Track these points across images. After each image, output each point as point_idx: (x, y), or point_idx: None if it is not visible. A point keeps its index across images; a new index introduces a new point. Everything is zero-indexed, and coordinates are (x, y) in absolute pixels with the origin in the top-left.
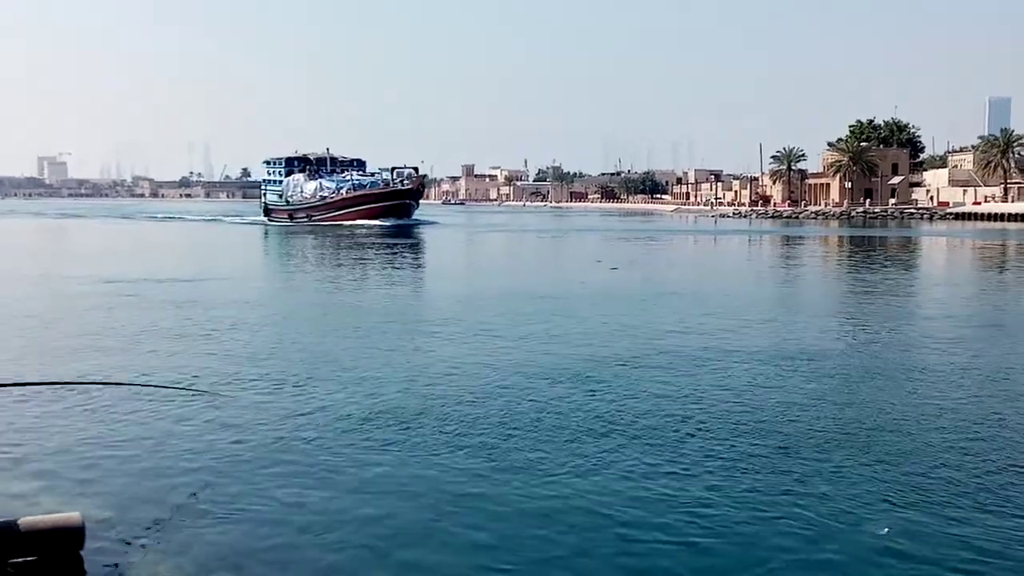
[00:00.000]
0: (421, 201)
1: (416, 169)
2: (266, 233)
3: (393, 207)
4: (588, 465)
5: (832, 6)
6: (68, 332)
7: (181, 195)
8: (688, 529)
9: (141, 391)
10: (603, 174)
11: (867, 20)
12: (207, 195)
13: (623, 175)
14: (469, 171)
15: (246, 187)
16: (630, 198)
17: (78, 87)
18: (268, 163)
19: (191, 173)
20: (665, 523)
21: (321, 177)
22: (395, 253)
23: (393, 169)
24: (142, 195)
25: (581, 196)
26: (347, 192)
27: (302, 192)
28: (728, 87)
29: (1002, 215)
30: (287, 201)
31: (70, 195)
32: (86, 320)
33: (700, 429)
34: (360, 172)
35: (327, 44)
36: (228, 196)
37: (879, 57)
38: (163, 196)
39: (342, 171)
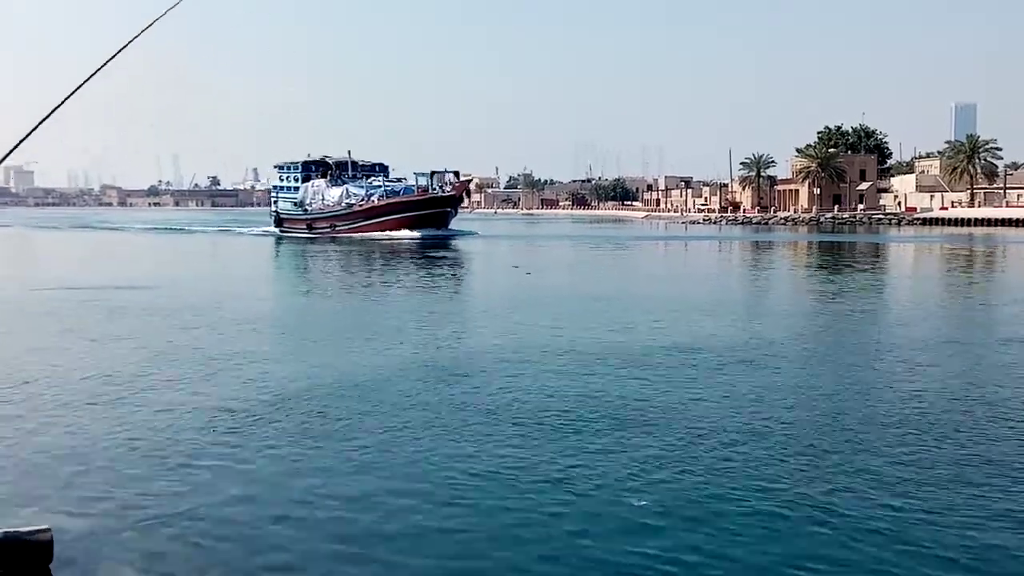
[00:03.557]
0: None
1: (457, 173)
2: (278, 242)
3: (430, 216)
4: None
5: (801, 14)
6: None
7: (150, 204)
8: (473, 497)
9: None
10: (574, 181)
11: (835, 28)
12: (176, 204)
13: (594, 182)
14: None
15: (216, 195)
16: (601, 205)
17: (44, 94)
18: (281, 168)
19: (160, 182)
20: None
21: (345, 183)
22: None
23: (433, 173)
24: (110, 204)
25: (552, 203)
26: (379, 199)
27: (324, 199)
28: (698, 94)
29: (969, 220)
30: (305, 209)
31: (36, 204)
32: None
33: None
34: (385, 177)
35: (297, 49)
36: (198, 204)
37: (847, 64)
38: (132, 205)
39: (364, 176)
